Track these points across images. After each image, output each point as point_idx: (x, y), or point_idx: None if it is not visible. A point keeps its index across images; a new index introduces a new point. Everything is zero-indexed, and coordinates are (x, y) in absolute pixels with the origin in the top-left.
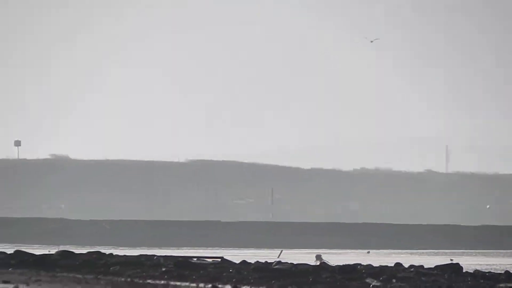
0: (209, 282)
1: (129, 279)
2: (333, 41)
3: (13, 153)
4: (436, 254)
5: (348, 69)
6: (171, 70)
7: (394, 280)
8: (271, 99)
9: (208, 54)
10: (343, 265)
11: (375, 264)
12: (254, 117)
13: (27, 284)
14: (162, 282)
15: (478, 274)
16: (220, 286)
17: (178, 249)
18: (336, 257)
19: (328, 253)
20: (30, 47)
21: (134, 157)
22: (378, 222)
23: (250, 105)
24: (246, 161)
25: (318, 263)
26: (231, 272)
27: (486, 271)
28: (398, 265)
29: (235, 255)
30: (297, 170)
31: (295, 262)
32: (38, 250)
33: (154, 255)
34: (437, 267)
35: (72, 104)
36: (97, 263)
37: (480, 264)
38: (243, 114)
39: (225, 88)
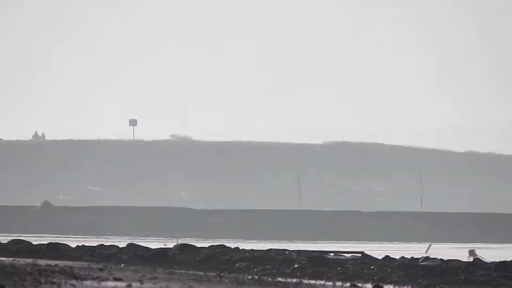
0: (348, 280)
1: (256, 277)
2: None
3: (128, 133)
4: None
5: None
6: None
7: None
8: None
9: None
10: (501, 262)
11: None
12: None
13: (141, 282)
14: (294, 280)
15: None
16: (360, 285)
17: (313, 242)
18: (493, 253)
19: (484, 247)
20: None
21: (262, 138)
22: None
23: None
24: (389, 142)
25: (471, 260)
26: (372, 269)
27: None
28: None
29: (377, 250)
30: (448, 154)
31: (445, 258)
32: (154, 244)
33: (286, 250)
34: None
35: (193, 80)
36: (220, 259)
37: None
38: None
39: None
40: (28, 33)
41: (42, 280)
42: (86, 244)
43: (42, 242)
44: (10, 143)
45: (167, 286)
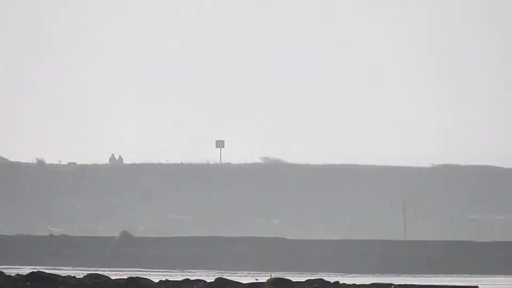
0: None
1: None
2: None
3: (215, 156)
4: None
5: None
6: None
7: None
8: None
9: None
10: None
11: None
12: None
13: None
14: None
15: None
16: None
17: (421, 276)
18: None
19: None
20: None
21: (362, 161)
22: None
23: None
24: (505, 165)
25: None
26: None
27: None
28: None
29: (493, 284)
30: None
31: None
32: (245, 278)
33: (391, 284)
34: None
35: (285, 96)
36: None
37: None
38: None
39: None
40: (104, 50)
41: None
42: (170, 278)
43: (122, 277)
44: (85, 167)
45: None
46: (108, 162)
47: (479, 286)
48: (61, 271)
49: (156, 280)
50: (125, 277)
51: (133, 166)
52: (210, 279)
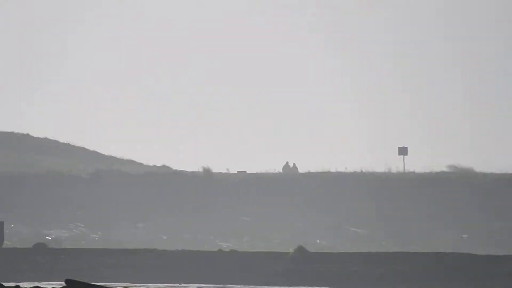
0: None
1: None
2: None
3: (397, 164)
4: None
5: None
6: None
7: None
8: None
9: None
10: None
11: None
12: None
13: None
14: None
15: None
16: None
17: None
18: None
19: None
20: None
21: None
22: None
23: None
24: None
25: None
26: None
27: None
28: None
29: None
30: None
31: None
32: None
33: None
34: None
35: (476, 97)
36: None
37: None
38: None
39: None
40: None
41: None
42: None
43: None
44: (255, 176)
45: None
46: (281, 171)
47: None
48: None
49: None
50: None
51: (309, 175)
52: None
